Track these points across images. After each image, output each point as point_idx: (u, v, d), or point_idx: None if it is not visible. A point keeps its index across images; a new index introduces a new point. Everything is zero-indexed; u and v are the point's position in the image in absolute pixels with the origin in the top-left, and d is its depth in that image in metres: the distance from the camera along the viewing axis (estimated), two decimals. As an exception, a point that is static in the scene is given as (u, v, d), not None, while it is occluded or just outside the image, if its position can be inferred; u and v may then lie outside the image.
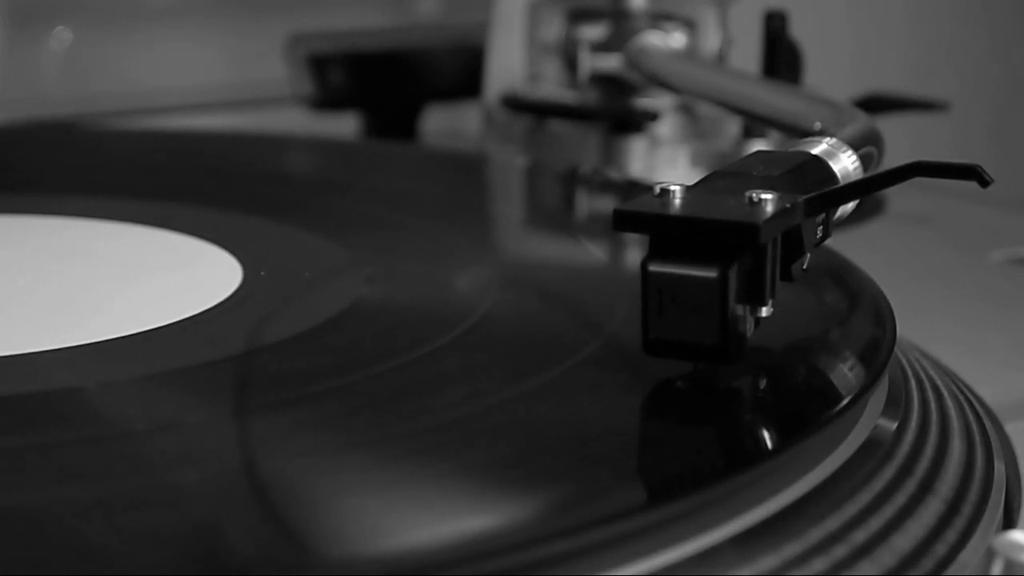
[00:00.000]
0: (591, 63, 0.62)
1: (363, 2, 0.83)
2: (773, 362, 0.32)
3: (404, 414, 0.29)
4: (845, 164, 0.34)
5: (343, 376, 0.32)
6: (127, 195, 0.49)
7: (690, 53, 0.62)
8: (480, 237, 0.47)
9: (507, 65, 0.65)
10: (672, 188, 0.30)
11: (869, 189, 0.32)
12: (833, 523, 0.27)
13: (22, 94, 0.76)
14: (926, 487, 0.30)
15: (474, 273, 0.41)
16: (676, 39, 0.62)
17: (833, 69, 0.75)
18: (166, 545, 0.24)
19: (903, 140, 0.49)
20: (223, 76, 0.79)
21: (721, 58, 0.63)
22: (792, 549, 0.26)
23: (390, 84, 0.73)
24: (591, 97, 0.62)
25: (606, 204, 0.53)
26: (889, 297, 0.37)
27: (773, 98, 0.47)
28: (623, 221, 0.30)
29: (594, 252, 0.46)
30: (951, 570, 0.27)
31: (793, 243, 0.31)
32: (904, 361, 0.36)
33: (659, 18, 0.62)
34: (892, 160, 0.33)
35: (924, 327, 0.43)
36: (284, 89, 0.72)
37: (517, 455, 0.28)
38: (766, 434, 0.29)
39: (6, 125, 0.71)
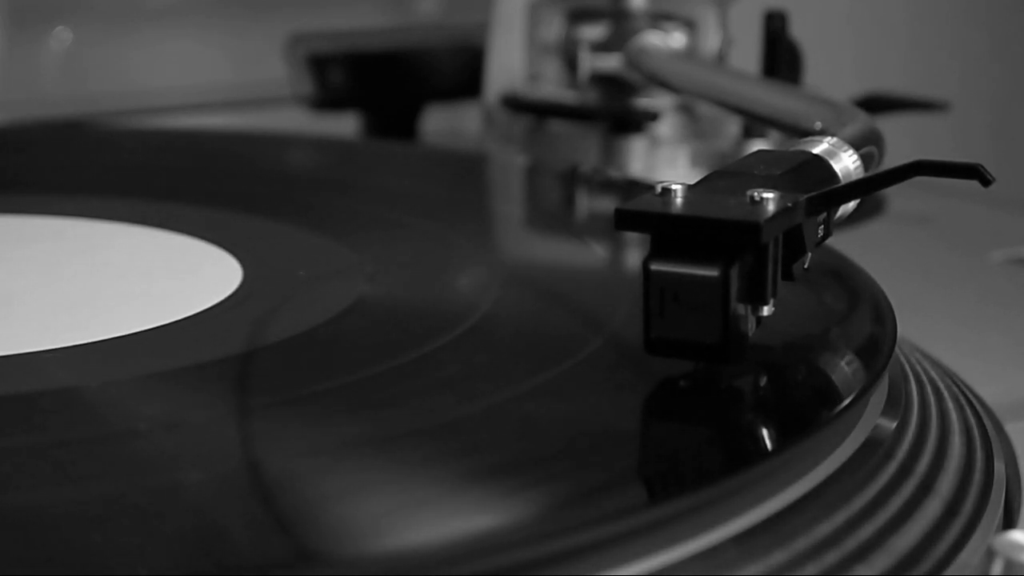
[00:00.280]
0: (591, 63, 0.62)
1: (363, 2, 0.83)
2: (774, 361, 0.32)
3: (405, 413, 0.29)
4: (846, 163, 0.34)
5: (344, 375, 0.32)
6: (127, 195, 0.49)
7: (690, 53, 0.62)
8: (481, 236, 0.47)
9: (507, 65, 0.65)
10: (673, 187, 0.30)
11: (870, 188, 0.32)
12: (833, 523, 0.27)
13: (22, 94, 0.76)
14: (926, 487, 0.30)
15: (475, 272, 0.41)
16: (676, 39, 0.62)
17: (833, 69, 0.75)
18: (166, 545, 0.24)
19: (903, 140, 0.49)
20: (223, 76, 0.79)
21: (721, 58, 0.63)
22: (792, 548, 0.26)
23: (390, 84, 0.73)
24: (591, 97, 0.62)
25: (607, 203, 0.53)
26: (889, 297, 0.37)
27: (773, 98, 0.47)
28: (625, 220, 0.30)
29: (595, 251, 0.46)
30: (951, 570, 0.27)
31: (794, 242, 0.31)
32: (904, 361, 0.36)
33: (659, 18, 0.62)
34: (892, 160, 0.33)
35: (924, 327, 0.43)
36: (284, 89, 0.72)
37: (518, 454, 0.28)
38: (766, 434, 0.29)
39: (6, 125, 0.71)
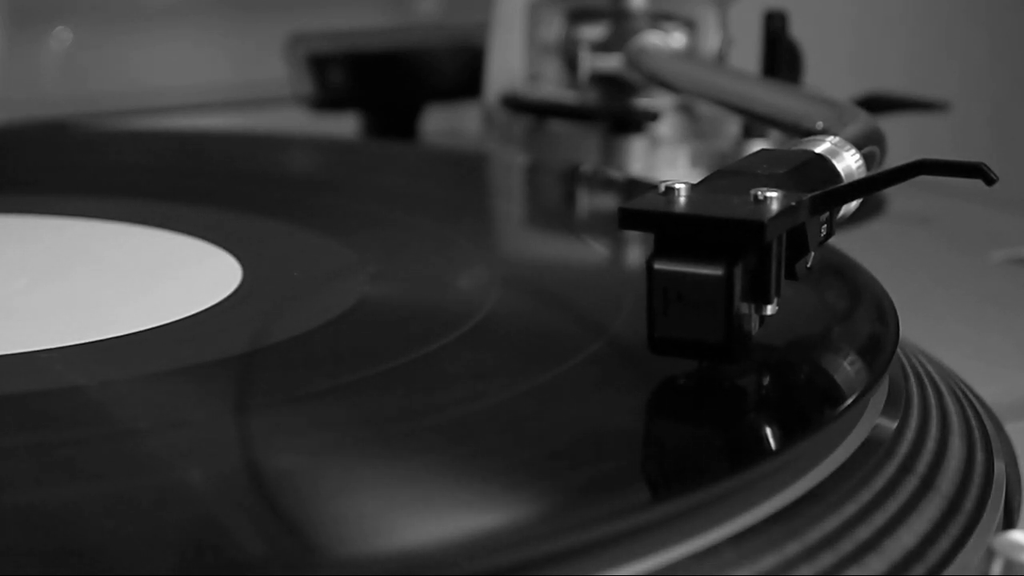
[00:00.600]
0: (591, 63, 0.62)
1: (363, 2, 0.83)
2: (776, 360, 0.32)
3: (407, 413, 0.29)
4: (849, 163, 0.34)
5: (345, 375, 0.32)
6: (127, 195, 0.49)
7: (690, 53, 0.62)
8: (482, 236, 0.47)
9: (507, 65, 0.65)
10: (677, 186, 0.30)
11: (873, 187, 0.32)
12: (833, 523, 0.27)
13: (22, 94, 0.76)
14: (926, 486, 0.30)
15: (476, 273, 0.41)
16: (676, 39, 0.62)
17: (833, 69, 0.75)
18: (168, 545, 0.24)
19: (904, 140, 0.49)
20: (223, 76, 0.79)
21: (721, 58, 0.63)
22: (792, 548, 0.26)
23: (390, 84, 0.73)
24: (591, 97, 0.62)
25: (608, 203, 0.53)
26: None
27: (774, 98, 0.47)
28: (628, 219, 0.30)
29: (597, 251, 0.46)
30: (951, 570, 0.27)
31: (798, 241, 0.31)
32: (904, 360, 0.36)
33: (659, 18, 0.62)
34: (892, 161, 0.33)
35: (924, 327, 0.43)
36: (284, 89, 0.72)
37: (519, 453, 0.28)
38: (768, 432, 0.29)
39: (6, 125, 0.71)
